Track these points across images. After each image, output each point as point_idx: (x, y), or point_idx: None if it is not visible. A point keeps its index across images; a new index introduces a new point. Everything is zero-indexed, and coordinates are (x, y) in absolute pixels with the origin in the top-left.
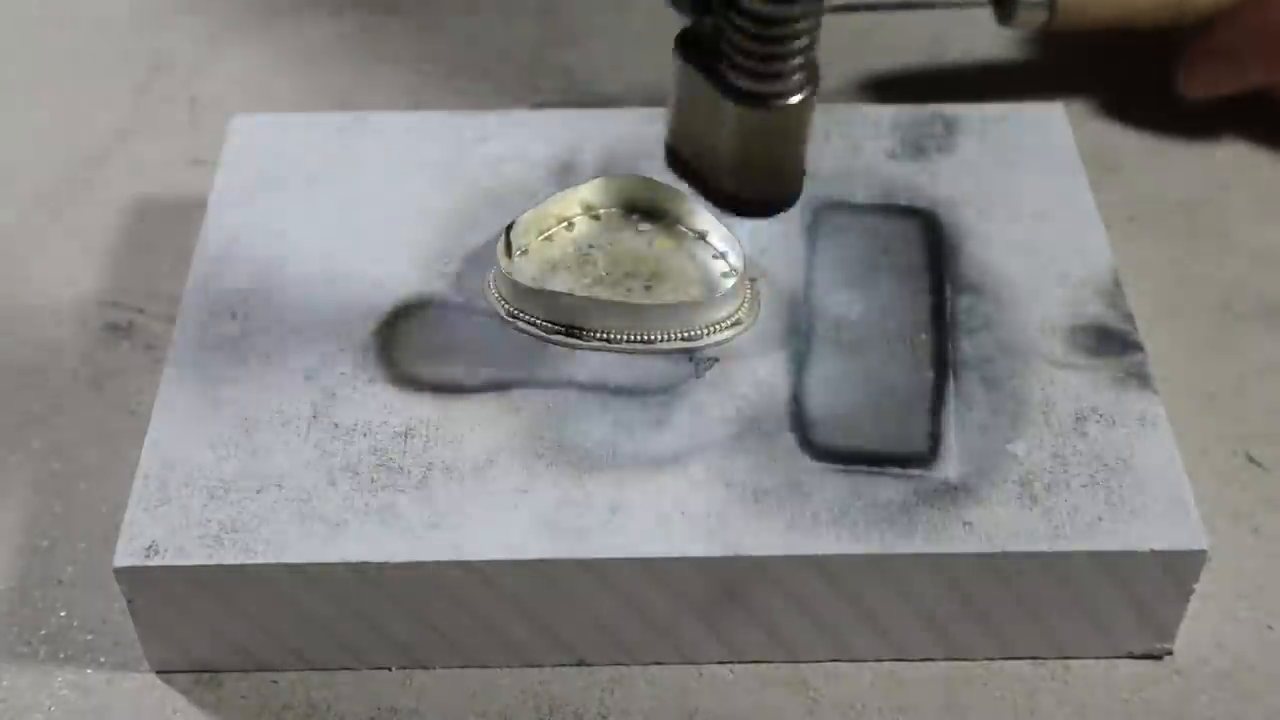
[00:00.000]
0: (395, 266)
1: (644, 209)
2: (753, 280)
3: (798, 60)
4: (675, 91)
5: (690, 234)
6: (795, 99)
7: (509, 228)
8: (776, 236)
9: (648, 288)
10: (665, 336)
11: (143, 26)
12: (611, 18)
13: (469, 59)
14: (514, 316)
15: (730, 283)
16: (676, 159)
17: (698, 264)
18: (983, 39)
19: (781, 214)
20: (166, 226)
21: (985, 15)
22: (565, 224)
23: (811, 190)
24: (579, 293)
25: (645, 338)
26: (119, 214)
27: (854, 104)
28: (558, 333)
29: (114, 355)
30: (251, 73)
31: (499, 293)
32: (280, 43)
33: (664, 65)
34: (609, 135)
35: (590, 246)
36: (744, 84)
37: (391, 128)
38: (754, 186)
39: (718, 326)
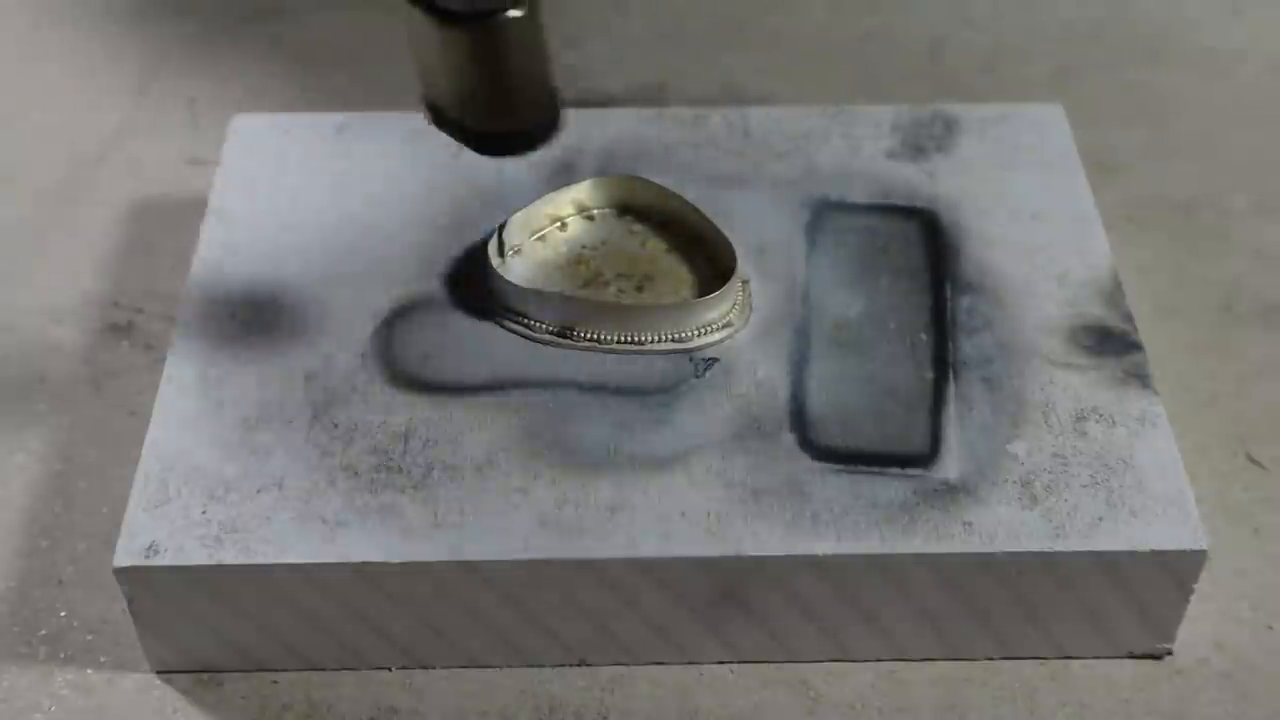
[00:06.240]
0: (394, 266)
1: (638, 209)
2: (744, 282)
3: None
4: (410, 42)
5: (683, 235)
6: (505, 14)
7: (501, 227)
8: (777, 236)
9: (640, 289)
10: (656, 338)
11: (142, 26)
12: (611, 18)
13: None
14: (505, 317)
15: (722, 285)
16: (435, 113)
17: (690, 265)
18: (983, 39)
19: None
20: (166, 226)
21: (985, 15)
22: (558, 224)
23: (811, 190)
24: (572, 293)
25: (636, 339)
26: (119, 214)
27: (854, 104)
28: (548, 333)
29: (114, 355)
30: (251, 73)
31: (491, 292)
32: (280, 43)
33: (664, 65)
34: (608, 135)
35: (583, 247)
36: (453, 4)
37: (391, 128)
38: (489, 118)
39: (709, 328)
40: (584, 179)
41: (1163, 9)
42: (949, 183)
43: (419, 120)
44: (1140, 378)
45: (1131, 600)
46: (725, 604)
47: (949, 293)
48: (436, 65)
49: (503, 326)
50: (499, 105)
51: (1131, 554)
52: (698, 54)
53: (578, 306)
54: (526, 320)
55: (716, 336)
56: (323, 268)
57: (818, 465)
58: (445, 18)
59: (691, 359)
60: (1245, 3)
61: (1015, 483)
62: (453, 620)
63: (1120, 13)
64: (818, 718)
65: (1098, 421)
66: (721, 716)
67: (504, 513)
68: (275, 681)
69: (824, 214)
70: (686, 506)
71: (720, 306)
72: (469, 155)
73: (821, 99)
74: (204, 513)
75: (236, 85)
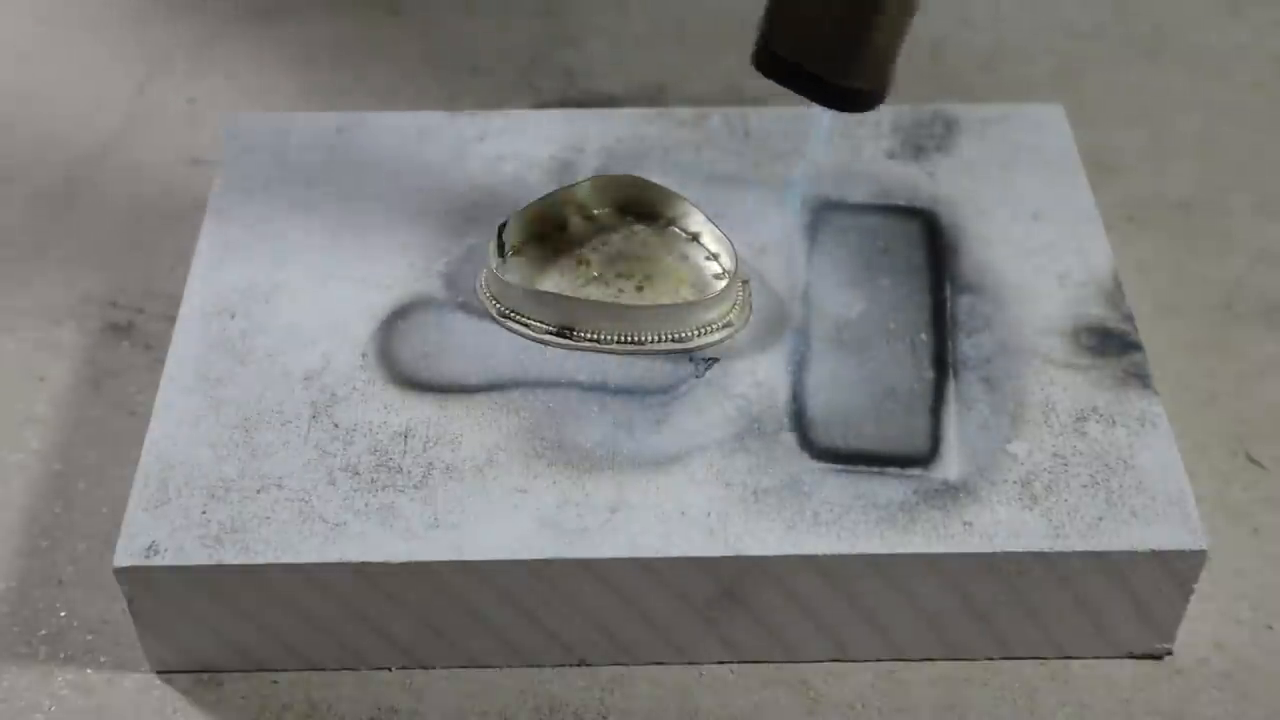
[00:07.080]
0: (394, 266)
1: (638, 210)
2: (745, 282)
3: None
4: None
5: (683, 235)
6: None
7: (501, 227)
8: (776, 236)
9: (640, 289)
10: (656, 338)
11: (142, 26)
12: (611, 18)
13: (469, 59)
14: (505, 317)
15: (722, 285)
16: (774, 61)
17: (690, 265)
18: (983, 39)
19: (784, 212)
20: (166, 226)
21: (985, 15)
22: (559, 224)
23: (811, 190)
24: (571, 293)
25: (636, 339)
26: (119, 214)
27: None
28: (548, 333)
29: (114, 355)
30: (251, 73)
31: (490, 292)
32: (280, 43)
33: (664, 65)
34: (609, 135)
35: (583, 247)
36: None
37: (391, 128)
38: (849, 73)
39: (709, 328)
40: (584, 179)
41: (1162, 9)
42: (949, 183)
43: (419, 120)
44: (1140, 378)
45: (1131, 600)
46: (725, 604)
47: (949, 293)
48: (812, 13)
49: (503, 326)
50: (862, 60)
51: (1131, 554)
52: (698, 54)
53: (578, 306)
54: (526, 320)
55: (716, 336)
56: (323, 268)
57: (818, 465)
58: None
59: (691, 359)
60: (1244, 2)
61: (1015, 482)
62: (453, 620)
63: (1120, 13)
64: (818, 718)
65: (1098, 421)
66: (721, 716)
67: (504, 513)
68: (275, 681)
69: (824, 214)
70: (686, 506)
71: (720, 306)
72: (469, 155)
73: None
74: (204, 513)
75: (236, 85)
